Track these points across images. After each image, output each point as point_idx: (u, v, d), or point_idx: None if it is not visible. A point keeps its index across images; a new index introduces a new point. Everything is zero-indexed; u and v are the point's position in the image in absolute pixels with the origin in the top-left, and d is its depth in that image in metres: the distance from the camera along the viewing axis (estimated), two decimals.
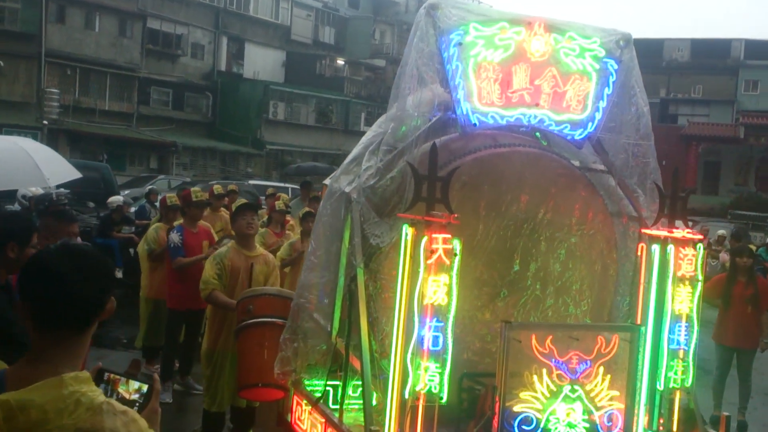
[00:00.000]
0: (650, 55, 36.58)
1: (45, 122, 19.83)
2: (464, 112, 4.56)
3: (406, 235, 4.00)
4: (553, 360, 4.11)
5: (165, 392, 7.02)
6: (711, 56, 43.12)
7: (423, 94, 4.69)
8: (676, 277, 4.61)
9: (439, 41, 4.50)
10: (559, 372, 4.12)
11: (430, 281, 3.92)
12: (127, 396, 2.00)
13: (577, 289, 4.93)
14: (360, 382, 4.55)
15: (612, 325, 4.81)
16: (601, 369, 4.21)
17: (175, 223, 7.21)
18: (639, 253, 4.80)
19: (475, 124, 4.60)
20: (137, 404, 2.00)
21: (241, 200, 6.01)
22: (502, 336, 4.03)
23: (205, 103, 37.52)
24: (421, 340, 3.95)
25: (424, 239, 3.92)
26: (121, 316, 9.70)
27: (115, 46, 33.46)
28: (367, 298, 4.23)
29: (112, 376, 2.01)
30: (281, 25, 40.43)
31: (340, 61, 42.28)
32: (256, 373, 4.97)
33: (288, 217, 8.89)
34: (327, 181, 4.80)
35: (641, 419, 4.57)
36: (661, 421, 4.68)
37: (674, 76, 44.59)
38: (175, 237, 6.87)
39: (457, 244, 4.02)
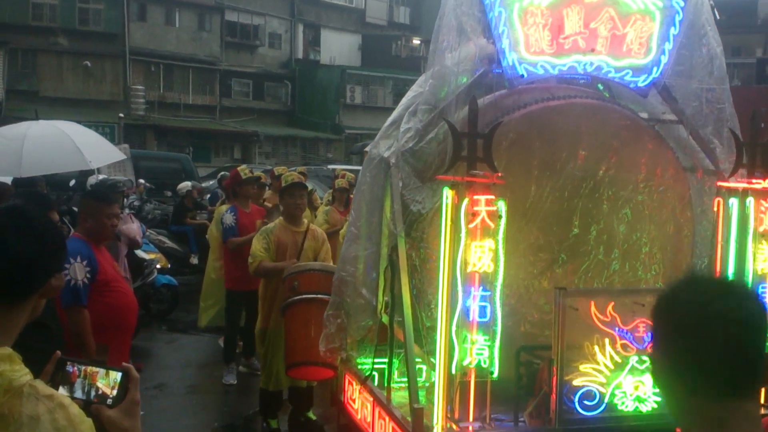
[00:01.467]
0: (744, 13, 34.40)
1: (121, 115, 20.42)
2: (510, 63, 4.19)
3: (447, 198, 3.69)
4: (617, 329, 3.72)
5: (229, 374, 7.00)
6: None
7: (465, 49, 4.34)
8: (758, 233, 4.12)
9: None
10: (624, 342, 3.73)
11: (473, 247, 3.61)
12: (107, 391, 1.79)
13: (646, 253, 4.48)
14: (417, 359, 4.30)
15: None
16: None
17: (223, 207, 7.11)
18: (715, 209, 4.30)
19: (522, 76, 4.22)
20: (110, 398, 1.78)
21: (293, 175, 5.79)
22: (556, 304, 3.67)
23: (284, 92, 37.88)
24: (466, 311, 3.65)
25: (465, 201, 3.61)
26: (196, 301, 9.81)
27: (195, 41, 34.16)
28: (410, 269, 3.94)
29: (88, 369, 1.80)
30: (356, 9, 40.27)
31: (416, 41, 41.77)
32: (302, 352, 4.79)
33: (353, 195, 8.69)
34: (368, 148, 4.53)
35: None
36: None
37: None
38: (228, 217, 6.79)
39: (502, 206, 3.69)
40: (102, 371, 1.79)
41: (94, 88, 30.94)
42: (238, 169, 7.33)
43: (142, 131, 30.16)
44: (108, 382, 1.78)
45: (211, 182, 19.80)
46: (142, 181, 14.31)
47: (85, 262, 4.21)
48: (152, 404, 6.49)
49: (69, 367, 1.77)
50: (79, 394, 1.75)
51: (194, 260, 11.22)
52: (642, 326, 3.73)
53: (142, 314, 8.41)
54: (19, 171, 6.51)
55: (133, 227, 7.09)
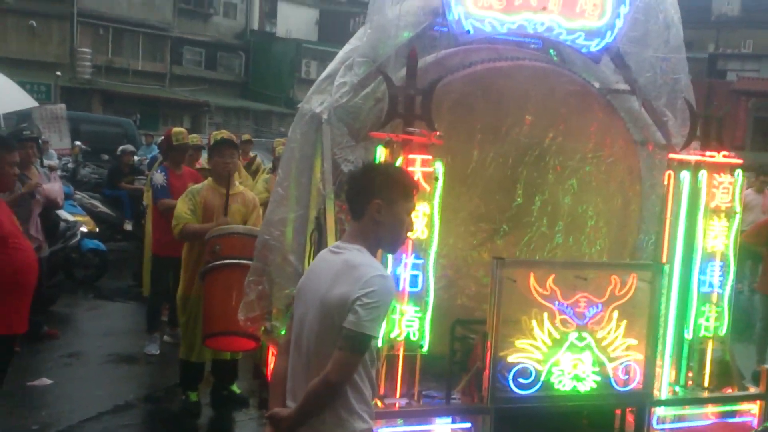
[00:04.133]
0: (698, 10, 34.91)
1: (58, 73, 19.57)
2: (456, 18, 3.88)
3: (380, 157, 3.39)
4: (557, 303, 3.48)
5: (152, 343, 6.62)
6: (762, 10, 40.97)
7: (409, 2, 4.04)
8: (709, 209, 3.93)
9: None
10: (563, 317, 3.49)
11: None
12: None
13: (592, 226, 4.26)
14: None
15: (627, 263, 4.15)
16: (615, 314, 3.56)
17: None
18: (666, 182, 4.09)
19: (468, 32, 3.92)
20: None
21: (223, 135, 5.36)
22: (493, 275, 3.41)
23: (237, 63, 37.01)
24: (396, 280, 3.36)
25: (399, 161, 3.31)
26: (128, 269, 9.37)
27: (147, 6, 33.02)
28: (339, 234, 3.63)
29: None
30: None
31: None
32: (220, 321, 4.45)
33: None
34: (300, 105, 4.19)
35: (666, 372, 3.94)
36: (690, 374, 4.03)
37: (723, 31, 42.58)
38: (158, 177, 6.37)
39: (439, 168, 3.41)
40: None
41: (39, 50, 29.68)
42: (173, 131, 6.87)
43: (88, 95, 29.05)
44: None
45: (158, 151, 19.17)
46: (78, 143, 13.68)
47: None
48: (66, 373, 6.10)
49: None
50: None
51: (128, 226, 10.69)
52: (583, 301, 3.50)
53: (63, 280, 8.00)
54: None
55: (55, 187, 6.59)
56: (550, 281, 3.44)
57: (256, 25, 37.99)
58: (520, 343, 3.46)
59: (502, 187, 4.06)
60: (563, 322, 3.48)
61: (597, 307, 3.53)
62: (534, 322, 3.45)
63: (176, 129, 7.04)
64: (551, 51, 4.71)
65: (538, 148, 4.09)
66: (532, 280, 3.44)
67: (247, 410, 5.46)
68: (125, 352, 6.68)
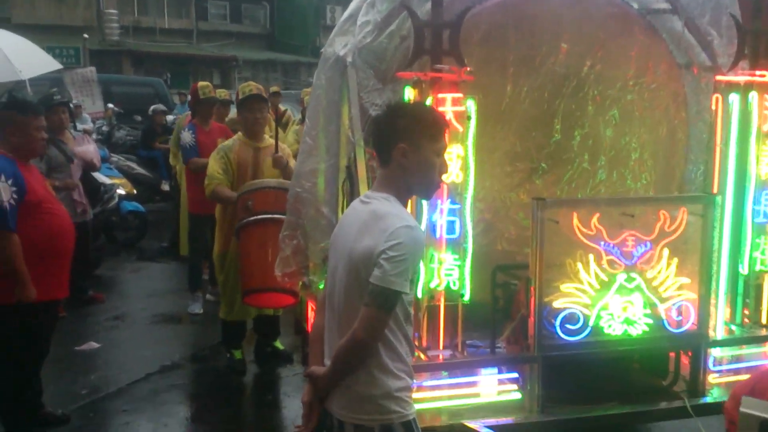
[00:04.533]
0: None
1: (85, 36, 19.56)
2: None
3: (408, 98, 3.21)
4: (603, 243, 3.30)
5: (195, 303, 6.63)
6: None
7: None
8: (762, 133, 3.66)
9: None
10: (610, 257, 3.31)
11: None
12: None
13: (636, 159, 4.04)
14: None
15: (676, 196, 3.92)
16: (666, 252, 3.36)
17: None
18: (714, 107, 3.82)
19: None
20: None
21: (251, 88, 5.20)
22: (534, 216, 3.23)
23: (262, 14, 36.53)
24: (432, 227, 3.22)
25: (429, 101, 3.12)
26: (168, 229, 9.39)
27: None
28: (371, 182, 3.47)
29: None
30: None
31: None
32: (258, 277, 4.36)
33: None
34: (323, 49, 4.00)
35: (721, 311, 3.74)
36: (746, 312, 3.83)
37: None
38: (187, 136, 6.26)
39: (471, 106, 3.22)
40: None
41: (66, 14, 29.65)
42: (198, 85, 6.74)
43: (118, 57, 29.10)
44: None
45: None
46: (110, 105, 13.66)
47: (10, 181, 3.76)
48: (112, 336, 6.14)
49: None
50: None
51: (165, 186, 10.69)
52: (631, 240, 3.31)
53: (105, 243, 8.05)
54: None
55: (90, 149, 6.56)
56: (594, 220, 3.26)
57: None
58: (565, 287, 3.30)
59: (539, 123, 3.85)
60: (610, 263, 3.30)
61: (646, 246, 3.34)
62: (579, 265, 3.29)
63: (201, 83, 6.89)
64: None
65: (576, 78, 3.86)
66: (575, 221, 3.25)
67: (292, 366, 5.43)
68: (169, 312, 6.71)
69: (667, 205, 3.40)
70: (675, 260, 3.38)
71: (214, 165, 4.95)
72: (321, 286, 4.08)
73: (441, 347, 3.36)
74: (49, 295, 4.03)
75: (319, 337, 2.50)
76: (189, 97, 7.75)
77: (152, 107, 11.75)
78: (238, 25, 35.63)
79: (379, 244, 2.19)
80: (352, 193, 3.62)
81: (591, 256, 3.27)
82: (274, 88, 11.41)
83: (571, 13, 3.81)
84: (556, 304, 3.30)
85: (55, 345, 4.48)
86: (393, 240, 2.19)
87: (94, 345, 5.83)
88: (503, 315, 3.58)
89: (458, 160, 3.20)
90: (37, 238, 3.90)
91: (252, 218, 4.46)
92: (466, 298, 3.33)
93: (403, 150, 2.28)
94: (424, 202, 3.15)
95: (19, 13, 27.51)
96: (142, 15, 32.21)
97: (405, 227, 2.22)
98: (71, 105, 9.58)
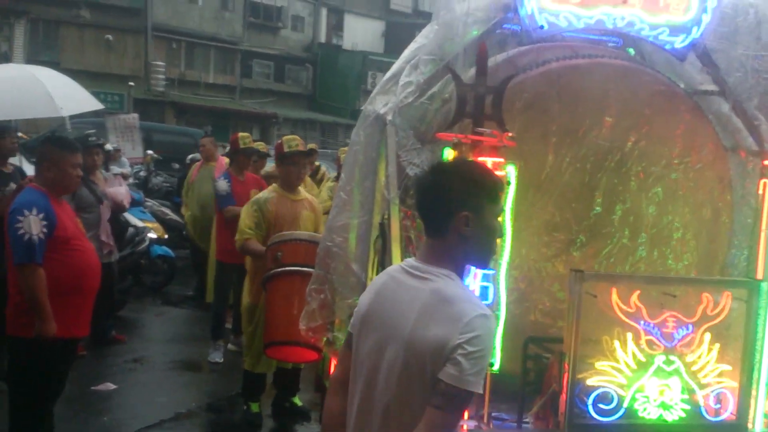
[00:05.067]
0: None
1: (131, 84, 20.14)
2: (529, 12, 3.63)
3: (456, 158, 3.17)
4: (642, 322, 3.18)
5: (216, 351, 6.56)
6: None
7: None
8: None
9: None
10: (649, 338, 3.19)
11: None
12: None
13: (678, 239, 3.93)
14: None
15: (721, 279, 3.79)
16: (707, 336, 3.23)
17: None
18: (760, 191, 3.73)
19: (542, 27, 3.66)
20: None
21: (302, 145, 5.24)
22: (571, 289, 3.13)
23: (305, 75, 37.45)
24: None
25: None
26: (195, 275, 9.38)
27: (218, 20, 33.79)
28: (403, 241, 3.42)
29: None
30: None
31: None
32: (282, 330, 4.30)
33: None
34: (363, 106, 4.02)
35: (761, 402, 3.55)
36: None
37: None
38: (222, 185, 6.32)
39: (511, 171, 3.16)
40: None
41: (115, 63, 30.65)
42: (239, 135, 6.84)
43: (161, 107, 29.91)
44: None
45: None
46: (150, 152, 13.92)
47: (41, 215, 3.76)
48: (130, 378, 6.09)
49: None
50: None
51: None
52: (671, 321, 3.18)
53: (131, 285, 8.06)
54: None
55: (121, 190, 6.64)
56: (634, 297, 3.14)
57: (323, 38, 38.39)
58: (600, 364, 3.17)
59: (580, 195, 3.78)
60: (649, 343, 3.17)
61: (687, 328, 3.21)
62: (617, 343, 3.16)
63: (242, 133, 7.01)
64: (630, 50, 4.41)
65: (619, 153, 3.80)
66: (614, 296, 3.14)
67: (308, 423, 5.30)
68: (189, 359, 6.64)
69: (710, 288, 3.28)
70: (716, 345, 3.25)
71: (246, 219, 4.95)
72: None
73: (466, 417, 3.22)
74: (69, 332, 3.99)
75: (337, 426, 2.24)
76: (228, 147, 7.88)
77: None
78: (281, 84, 36.52)
79: (453, 336, 1.95)
80: (384, 251, 3.56)
81: (629, 335, 3.15)
82: (311, 145, 11.54)
83: (617, 87, 3.78)
84: (590, 382, 3.17)
85: (71, 383, 4.43)
86: (470, 332, 1.95)
87: (111, 386, 5.76)
88: (533, 389, 3.44)
89: None
90: (62, 273, 3.89)
91: (280, 270, 4.42)
92: (495, 367, 3.20)
93: (466, 219, 2.05)
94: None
95: (68, 59, 28.46)
96: (189, 68, 33.17)
97: (481, 317, 1.99)
98: (111, 148, 9.78)
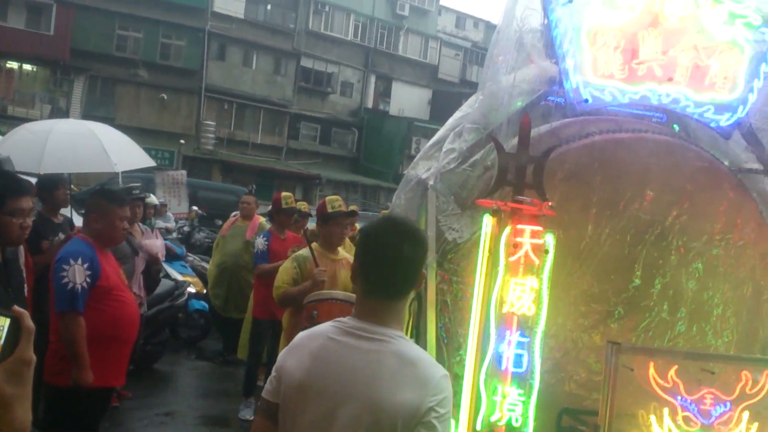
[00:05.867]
0: None
1: (182, 142, 20.82)
2: (574, 86, 3.72)
3: (486, 226, 3.22)
4: (679, 398, 3.13)
5: (247, 408, 6.53)
6: None
7: (524, 70, 3.92)
8: None
9: (543, 0, 3.73)
10: (686, 414, 3.13)
11: (512, 284, 3.10)
12: None
13: (718, 315, 3.87)
14: None
15: (761, 358, 3.71)
16: (746, 414, 3.16)
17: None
18: None
19: (586, 101, 3.74)
20: None
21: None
22: (608, 361, 3.10)
23: (350, 139, 38.16)
24: (498, 358, 3.12)
25: (507, 230, 3.12)
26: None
27: (270, 84, 34.84)
28: (439, 305, 3.45)
29: None
30: (429, 65, 40.53)
31: None
32: None
33: None
34: (406, 171, 4.10)
35: None
36: None
37: None
38: (260, 242, 6.43)
39: (550, 240, 3.18)
40: None
41: (167, 121, 31.69)
42: (282, 195, 6.99)
43: (209, 165, 30.71)
44: None
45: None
46: (195, 208, 14.24)
47: (86, 265, 3.87)
48: (158, 431, 6.08)
49: None
50: None
51: None
52: (709, 398, 3.12)
53: (168, 338, 8.13)
54: (39, 167, 6.27)
55: (157, 243, 6.76)
56: (672, 372, 3.10)
57: (370, 104, 39.21)
58: None
59: (619, 266, 3.77)
60: (686, 420, 3.11)
61: (725, 406, 3.14)
62: (653, 417, 3.11)
63: (285, 193, 7.14)
64: (675, 126, 4.45)
65: (660, 227, 3.79)
66: (651, 370, 3.11)
67: None
68: (219, 415, 6.63)
69: (750, 366, 3.22)
70: (755, 425, 3.17)
71: (284, 275, 5.01)
72: None
73: None
74: (104, 382, 4.03)
75: None
76: (270, 206, 8.04)
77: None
78: (326, 146, 37.22)
79: (425, 399, 1.93)
80: (420, 314, 3.58)
81: (666, 410, 3.10)
82: (352, 207, 11.70)
83: (659, 162, 3.81)
84: None
85: None
86: (439, 394, 1.95)
87: None
88: None
89: (532, 292, 3.14)
90: (102, 323, 3.94)
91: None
92: None
93: (423, 277, 2.16)
94: (493, 329, 3.08)
95: (122, 116, 29.52)
96: (238, 129, 34.08)
97: (445, 377, 2.01)
98: (158, 203, 10.02)
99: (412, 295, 3.67)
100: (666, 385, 3.10)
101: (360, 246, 2.14)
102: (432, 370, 2.00)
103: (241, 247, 8.01)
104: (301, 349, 2.11)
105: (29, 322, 1.28)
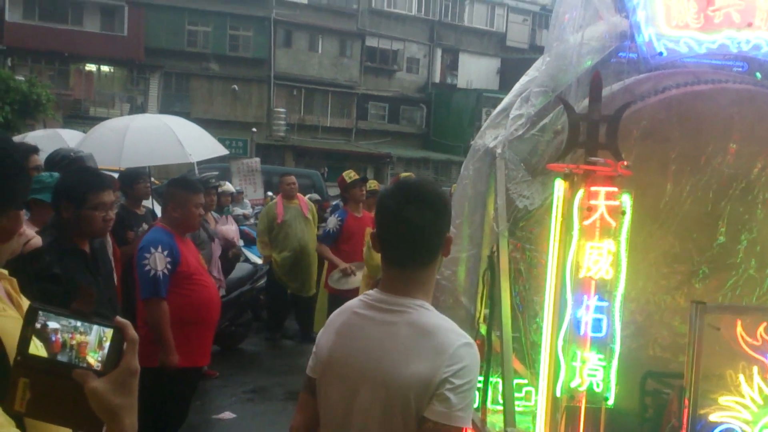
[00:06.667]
0: None
1: (254, 130, 21.31)
2: (647, 40, 3.58)
3: (558, 190, 3.14)
4: None
5: None
6: None
7: (592, 27, 3.79)
8: None
9: None
10: None
11: (588, 248, 3.02)
12: (93, 355, 1.28)
13: None
14: (522, 380, 3.75)
15: None
16: None
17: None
18: None
19: (661, 54, 3.59)
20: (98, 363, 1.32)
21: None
22: (693, 321, 2.99)
23: (419, 115, 38.04)
24: (577, 324, 3.06)
25: (580, 193, 3.04)
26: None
27: (336, 66, 35.07)
28: (513, 274, 3.40)
29: (60, 324, 1.27)
30: (496, 33, 39.83)
31: None
32: None
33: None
34: (472, 141, 4.04)
35: None
36: None
37: None
38: (333, 222, 6.55)
39: (627, 200, 3.08)
40: (88, 327, 1.30)
41: (240, 111, 32.39)
42: (343, 174, 7.07)
43: (282, 151, 31.29)
44: (91, 339, 1.31)
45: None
46: (270, 193, 14.51)
47: (166, 252, 4.02)
48: (246, 407, 6.29)
49: (43, 320, 1.29)
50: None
51: None
52: None
53: (251, 319, 8.35)
54: (119, 162, 6.55)
55: (232, 228, 6.98)
56: (761, 330, 2.97)
57: (437, 78, 38.92)
58: (724, 400, 3.00)
59: (701, 224, 3.62)
60: None
61: None
62: (741, 377, 2.99)
63: (345, 172, 7.21)
64: (758, 74, 4.22)
65: (745, 180, 3.61)
66: (739, 329, 2.98)
67: None
68: None
69: None
70: None
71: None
72: None
73: None
74: (190, 362, 4.19)
75: None
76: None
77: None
78: (395, 125, 37.25)
79: (438, 370, 1.78)
80: (493, 284, 3.55)
81: (755, 369, 2.97)
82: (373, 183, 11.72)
83: (741, 113, 3.62)
84: (713, 418, 3.00)
85: (194, 412, 4.62)
86: (456, 364, 1.78)
87: (230, 415, 5.98)
88: (651, 425, 3.30)
89: (609, 255, 3.05)
90: (185, 306, 4.10)
91: None
92: (610, 402, 3.09)
93: (450, 241, 1.94)
94: (570, 295, 3.02)
95: (197, 109, 30.36)
96: (308, 113, 34.51)
97: (466, 345, 1.83)
98: (235, 191, 10.25)
99: (484, 265, 3.66)
100: (755, 343, 2.97)
101: (374, 214, 2.04)
102: (450, 337, 1.83)
103: (303, 226, 8.11)
104: (331, 325, 2.05)
105: (133, 332, 1.30)
